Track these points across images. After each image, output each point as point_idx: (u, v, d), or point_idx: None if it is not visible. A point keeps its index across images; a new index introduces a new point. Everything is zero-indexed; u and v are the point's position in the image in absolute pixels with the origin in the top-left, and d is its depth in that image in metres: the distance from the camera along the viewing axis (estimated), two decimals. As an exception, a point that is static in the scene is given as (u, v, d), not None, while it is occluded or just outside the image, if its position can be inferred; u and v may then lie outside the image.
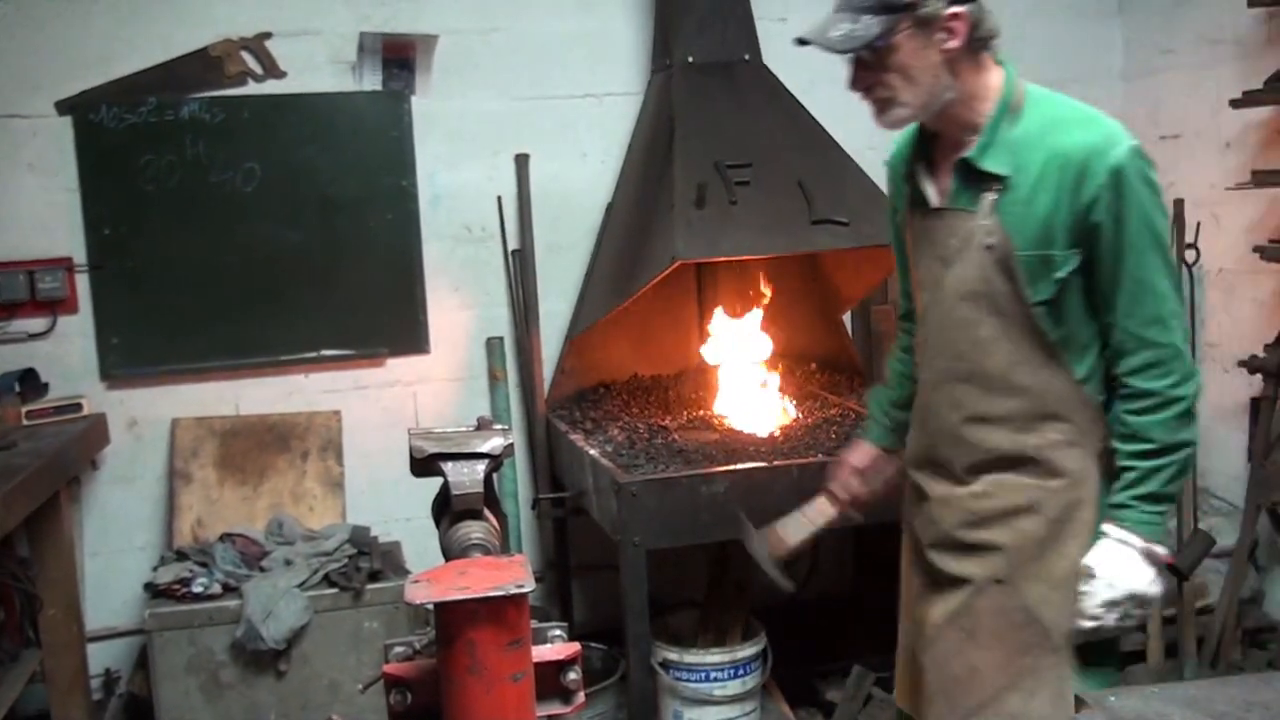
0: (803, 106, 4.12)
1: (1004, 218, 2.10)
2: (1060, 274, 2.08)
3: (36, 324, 4.04)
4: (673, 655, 3.70)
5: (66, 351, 4.08)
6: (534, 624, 1.74)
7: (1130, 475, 2.08)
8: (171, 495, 4.13)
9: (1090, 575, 2.09)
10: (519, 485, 4.43)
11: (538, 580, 4.42)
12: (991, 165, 2.11)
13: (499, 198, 4.38)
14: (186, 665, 3.65)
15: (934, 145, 2.24)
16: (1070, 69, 4.85)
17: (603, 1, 4.41)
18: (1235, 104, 4.11)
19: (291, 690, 3.71)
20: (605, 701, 3.89)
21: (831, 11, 2.12)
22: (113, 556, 4.17)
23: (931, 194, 2.23)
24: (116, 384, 4.13)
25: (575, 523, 4.34)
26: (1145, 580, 2.07)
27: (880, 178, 4.16)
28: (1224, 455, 4.51)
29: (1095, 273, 2.09)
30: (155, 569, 3.82)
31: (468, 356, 4.44)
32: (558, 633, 1.86)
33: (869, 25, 2.04)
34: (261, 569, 3.79)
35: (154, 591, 3.71)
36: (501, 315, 4.46)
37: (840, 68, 2.14)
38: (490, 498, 2.02)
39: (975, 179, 2.13)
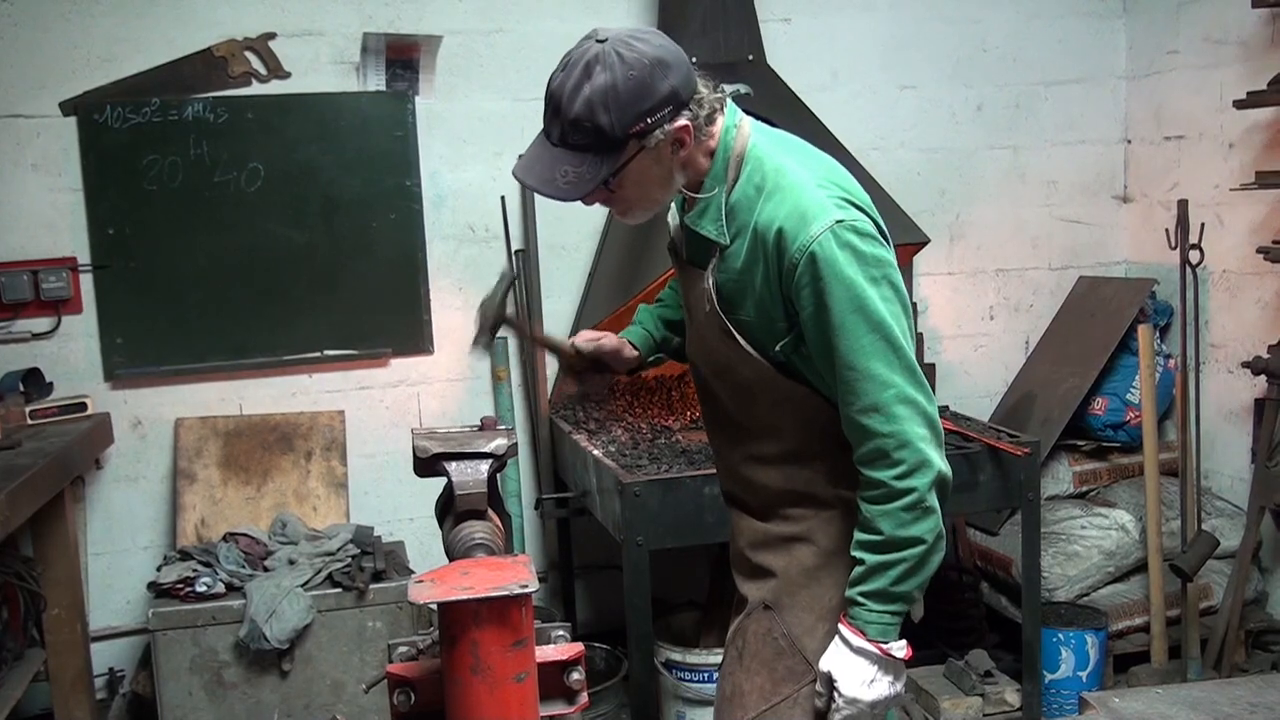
0: (806, 106, 4.12)
1: (725, 283, 2.02)
2: (782, 343, 1.99)
3: (41, 324, 4.05)
4: (676, 655, 3.70)
5: (70, 351, 4.08)
6: (537, 624, 1.75)
7: (859, 570, 1.95)
8: (175, 495, 4.13)
9: (833, 688, 1.98)
10: (522, 485, 4.43)
11: (541, 580, 4.44)
12: (707, 230, 2.00)
13: (503, 198, 4.38)
14: (190, 665, 3.65)
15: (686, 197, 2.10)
16: (1074, 69, 4.87)
17: (606, 2, 4.40)
18: (1239, 105, 4.11)
19: (295, 690, 3.71)
20: (608, 701, 3.89)
21: (541, 142, 1.92)
22: (117, 556, 4.18)
23: (680, 246, 2.16)
24: (120, 384, 4.13)
25: (578, 523, 4.34)
26: (881, 689, 1.96)
27: (884, 175, 4.20)
28: (1228, 457, 4.51)
29: (813, 354, 1.97)
30: (159, 569, 3.82)
31: (471, 357, 4.44)
32: (561, 633, 1.87)
33: (595, 166, 1.87)
34: (265, 569, 3.80)
35: (158, 591, 3.72)
36: (505, 315, 4.45)
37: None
38: (494, 498, 2.02)
39: (700, 240, 2.04)
